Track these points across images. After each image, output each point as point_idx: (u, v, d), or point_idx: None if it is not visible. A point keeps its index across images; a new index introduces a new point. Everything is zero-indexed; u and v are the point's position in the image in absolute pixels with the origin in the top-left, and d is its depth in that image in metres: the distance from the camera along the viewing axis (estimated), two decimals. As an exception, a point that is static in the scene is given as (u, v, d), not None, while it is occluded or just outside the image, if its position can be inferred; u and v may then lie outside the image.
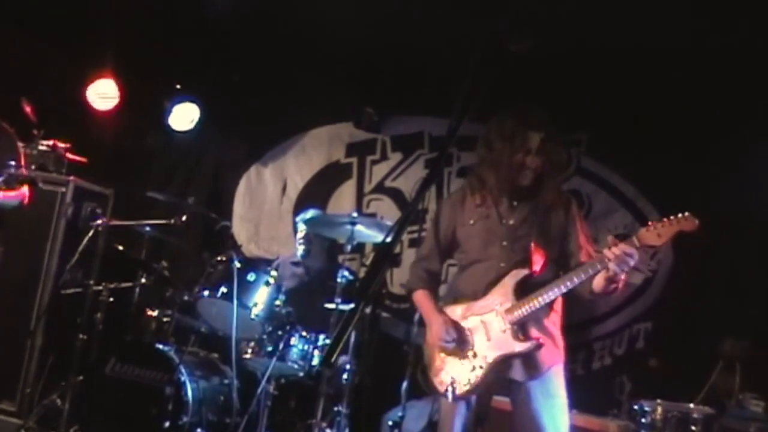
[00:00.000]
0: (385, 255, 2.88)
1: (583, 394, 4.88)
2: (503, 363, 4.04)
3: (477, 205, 4.27)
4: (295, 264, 6.65)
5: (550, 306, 4.07)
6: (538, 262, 4.10)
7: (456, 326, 4.14)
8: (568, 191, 6.56)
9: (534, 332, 4.05)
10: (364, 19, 6.48)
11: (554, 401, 4.09)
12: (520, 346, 3.99)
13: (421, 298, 4.38)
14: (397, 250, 6.72)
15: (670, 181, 6.46)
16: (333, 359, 2.78)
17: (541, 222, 4.16)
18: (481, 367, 4.04)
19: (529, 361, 4.05)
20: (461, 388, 4.06)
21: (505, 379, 4.10)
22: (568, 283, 3.94)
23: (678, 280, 6.39)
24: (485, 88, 3.25)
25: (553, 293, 3.97)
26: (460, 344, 4.10)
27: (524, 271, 4.07)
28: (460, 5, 6.04)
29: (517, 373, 4.06)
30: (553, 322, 4.16)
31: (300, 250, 6.60)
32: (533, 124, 4.17)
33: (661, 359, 6.05)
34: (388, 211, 7.45)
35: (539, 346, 3.99)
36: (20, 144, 5.63)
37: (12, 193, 5.36)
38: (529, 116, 4.21)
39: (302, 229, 6.61)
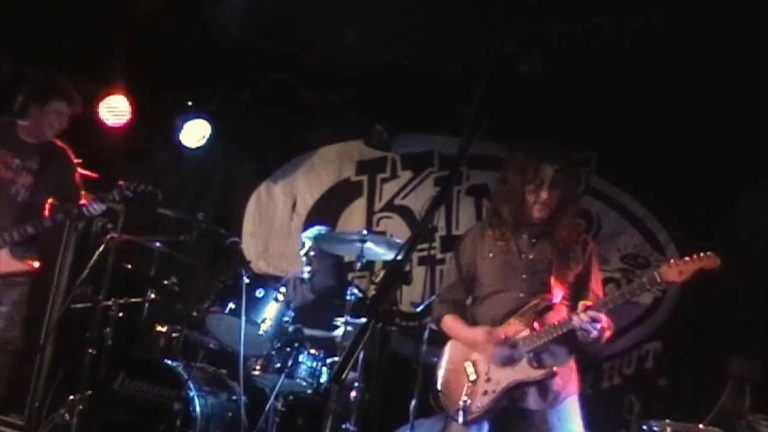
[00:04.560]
0: (396, 272, 2.87)
1: (592, 414, 4.85)
2: (516, 390, 4.06)
3: (496, 239, 4.30)
4: (303, 282, 6.65)
5: (567, 336, 4.06)
6: (558, 294, 4.13)
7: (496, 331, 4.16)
8: (577, 210, 6.63)
9: (549, 361, 4.07)
10: (375, 38, 6.50)
11: (570, 427, 4.10)
12: (534, 374, 4.02)
13: (450, 321, 4.40)
14: (407, 267, 6.72)
15: (680, 202, 6.47)
16: (343, 376, 2.76)
17: (559, 258, 4.19)
18: (493, 392, 4.06)
19: (545, 390, 4.07)
20: (472, 412, 4.07)
21: (521, 409, 4.10)
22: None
23: (687, 301, 6.38)
24: (496, 107, 3.26)
25: (562, 329, 4.00)
26: (508, 347, 4.09)
27: (544, 302, 4.10)
28: (471, 25, 6.06)
29: (533, 402, 4.08)
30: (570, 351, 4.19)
31: (306, 270, 6.59)
32: (546, 156, 4.20)
33: (670, 379, 6.03)
34: (398, 229, 7.45)
35: (553, 374, 4.01)
36: (74, 159, 5.76)
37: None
38: (542, 149, 4.26)
39: (308, 244, 6.60)
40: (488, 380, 4.09)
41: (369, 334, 2.66)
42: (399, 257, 2.88)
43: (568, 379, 4.13)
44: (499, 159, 4.51)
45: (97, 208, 5.54)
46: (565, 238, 4.20)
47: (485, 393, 4.07)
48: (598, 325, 3.92)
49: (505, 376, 4.05)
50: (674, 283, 3.92)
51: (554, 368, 4.02)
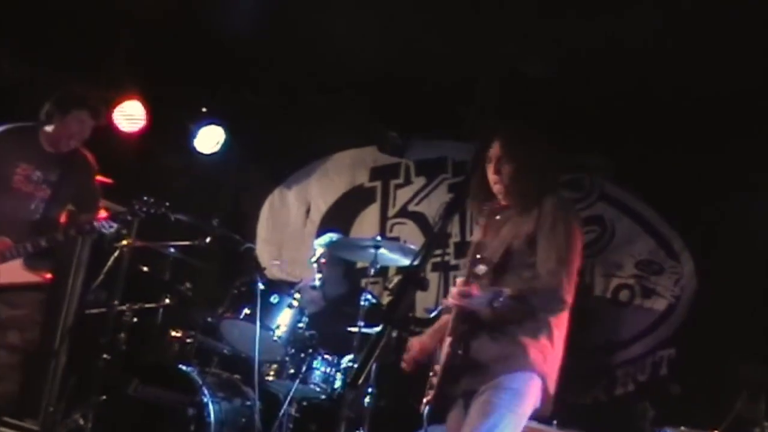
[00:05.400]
0: (413, 279, 2.88)
1: (606, 421, 4.86)
2: (448, 373, 3.94)
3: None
4: (314, 289, 6.65)
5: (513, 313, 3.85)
6: (483, 269, 3.90)
7: (422, 347, 4.22)
8: (590, 217, 6.62)
9: (481, 342, 3.88)
10: (388, 44, 6.52)
11: (497, 402, 3.82)
12: (441, 357, 3.99)
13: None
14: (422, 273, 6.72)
15: (693, 207, 6.46)
16: (359, 382, 2.76)
17: (503, 233, 4.03)
18: (435, 374, 4.00)
19: (475, 371, 3.89)
20: (428, 394, 4.02)
21: (463, 391, 3.97)
22: None
23: (702, 307, 6.36)
24: (508, 113, 3.28)
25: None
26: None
27: (466, 288, 3.88)
28: (484, 31, 6.07)
29: (466, 382, 3.92)
30: (530, 330, 3.88)
31: (317, 278, 6.58)
32: (495, 135, 4.13)
33: (684, 386, 6.01)
34: (412, 235, 7.46)
35: (456, 355, 3.88)
36: (95, 165, 5.78)
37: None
38: (494, 130, 4.19)
39: (319, 252, 6.59)
40: (435, 366, 4.11)
41: (385, 340, 2.67)
42: (415, 263, 2.88)
43: (508, 357, 3.86)
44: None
45: (108, 227, 5.56)
46: (517, 206, 4.04)
47: (433, 375, 4.02)
48: (470, 299, 3.79)
49: (439, 360, 4.06)
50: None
51: (459, 350, 3.90)
